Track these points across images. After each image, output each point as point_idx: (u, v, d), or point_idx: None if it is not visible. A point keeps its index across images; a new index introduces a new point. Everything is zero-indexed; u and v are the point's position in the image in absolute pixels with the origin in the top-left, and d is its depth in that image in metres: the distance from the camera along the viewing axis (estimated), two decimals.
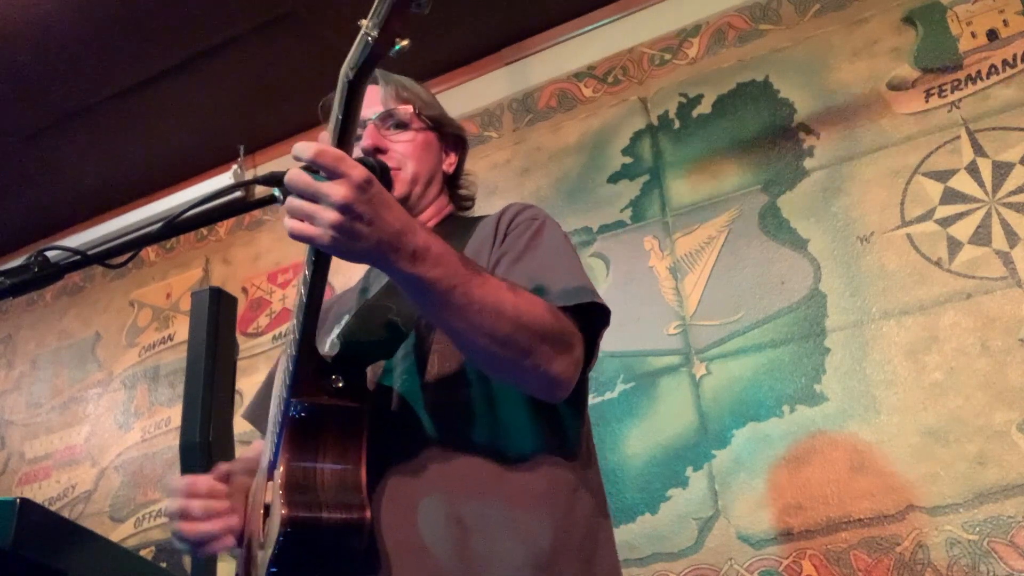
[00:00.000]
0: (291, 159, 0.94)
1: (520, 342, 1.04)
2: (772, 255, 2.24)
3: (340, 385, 1.08)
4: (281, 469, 1.05)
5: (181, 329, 3.12)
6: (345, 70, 0.92)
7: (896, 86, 2.24)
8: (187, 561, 2.74)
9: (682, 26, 2.59)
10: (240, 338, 2.83)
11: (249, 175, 3.17)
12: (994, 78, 2.13)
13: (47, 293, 3.58)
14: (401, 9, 0.85)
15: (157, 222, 1.02)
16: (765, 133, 2.36)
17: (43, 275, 1.01)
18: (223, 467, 1.21)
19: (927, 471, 1.91)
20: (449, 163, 1.44)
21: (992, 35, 2.17)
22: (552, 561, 1.08)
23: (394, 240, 0.94)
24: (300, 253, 3.02)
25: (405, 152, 1.35)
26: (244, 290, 3.10)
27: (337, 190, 0.89)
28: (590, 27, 2.72)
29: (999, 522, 1.82)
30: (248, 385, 2.93)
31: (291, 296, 3.00)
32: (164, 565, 2.76)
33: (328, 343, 1.25)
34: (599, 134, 2.60)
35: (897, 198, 2.15)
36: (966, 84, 2.16)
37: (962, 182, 2.09)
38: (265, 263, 3.11)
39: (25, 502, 1.25)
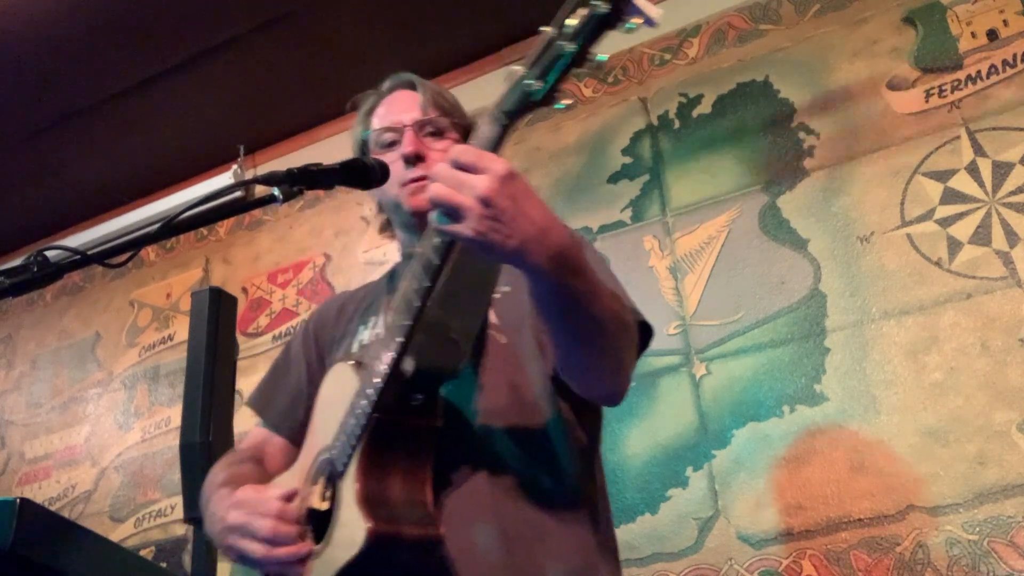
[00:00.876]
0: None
1: (618, 351, 1.08)
2: (772, 255, 2.24)
3: (420, 404, 1.10)
4: (358, 484, 1.06)
5: (181, 329, 3.11)
6: (496, 114, 0.92)
7: (896, 86, 2.24)
8: (187, 561, 2.74)
9: (682, 26, 2.59)
10: (240, 338, 2.82)
11: (249, 175, 3.17)
12: (994, 78, 2.13)
13: (47, 293, 3.57)
14: (571, 73, 0.85)
15: (157, 222, 1.02)
16: (765, 133, 2.36)
17: (43, 275, 1.01)
18: (276, 490, 1.15)
19: (927, 471, 1.91)
20: None
21: (992, 35, 2.17)
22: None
23: (537, 238, 0.92)
24: (300, 253, 3.04)
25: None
26: (244, 290, 3.10)
27: (480, 182, 0.89)
28: None
29: (999, 522, 1.82)
30: (248, 385, 2.90)
31: (291, 296, 3.00)
32: (164, 565, 2.76)
33: (357, 345, 1.27)
34: (599, 134, 2.60)
35: (897, 198, 2.15)
36: (966, 84, 2.16)
37: (962, 182, 2.09)
38: (265, 263, 3.11)
39: (25, 502, 1.25)
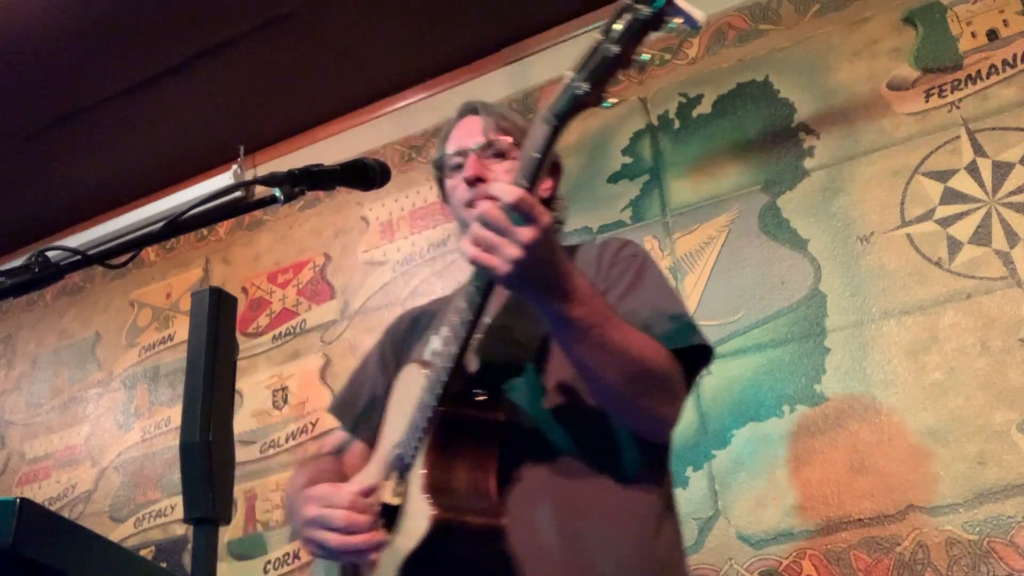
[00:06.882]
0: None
1: (640, 386, 1.15)
2: (772, 255, 2.24)
3: (483, 399, 1.17)
4: (424, 472, 1.12)
5: (181, 329, 3.11)
6: (547, 115, 0.99)
7: (896, 86, 2.24)
8: (187, 561, 2.74)
9: None
10: (240, 338, 2.82)
11: (249, 175, 3.17)
12: (994, 78, 2.13)
13: (47, 293, 3.57)
14: (617, 73, 0.93)
15: (157, 222, 1.03)
16: (765, 133, 2.36)
17: (43, 275, 1.01)
18: (355, 486, 1.21)
19: (927, 471, 1.91)
20: (545, 188, 1.47)
21: (992, 35, 2.17)
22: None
23: (559, 282, 1.05)
24: (299, 254, 3.04)
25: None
26: (244, 290, 3.10)
27: (527, 232, 0.99)
28: (590, 27, 2.72)
29: (999, 522, 1.82)
30: (248, 385, 2.93)
31: (291, 296, 3.00)
32: (164, 565, 2.76)
33: (429, 352, 1.35)
34: (599, 134, 2.60)
35: (897, 198, 2.15)
36: (966, 84, 2.16)
37: (962, 182, 2.09)
38: (265, 263, 3.11)
39: (25, 502, 1.25)
